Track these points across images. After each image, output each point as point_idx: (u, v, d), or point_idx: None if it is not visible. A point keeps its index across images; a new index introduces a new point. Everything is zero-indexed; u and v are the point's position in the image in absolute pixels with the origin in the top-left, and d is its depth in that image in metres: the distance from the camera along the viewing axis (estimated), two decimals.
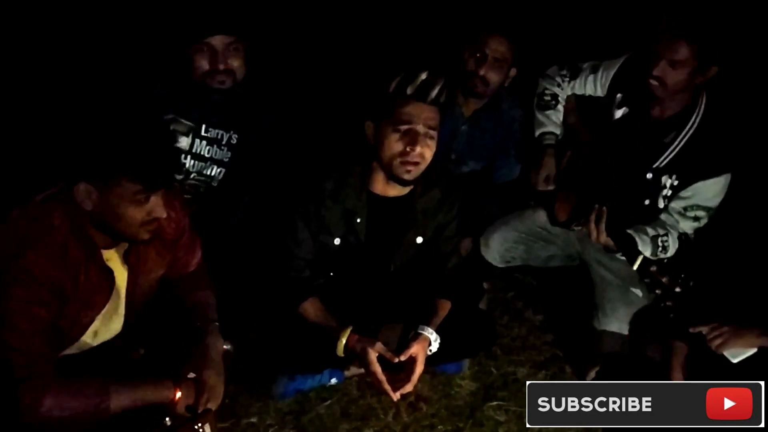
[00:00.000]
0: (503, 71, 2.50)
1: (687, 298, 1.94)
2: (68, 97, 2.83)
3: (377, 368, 1.98)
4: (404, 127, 1.89)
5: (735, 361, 1.92)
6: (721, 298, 2.01)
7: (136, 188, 1.58)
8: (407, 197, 2.06)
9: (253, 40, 2.24)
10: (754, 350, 1.92)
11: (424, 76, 1.87)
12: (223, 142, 2.31)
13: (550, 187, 2.41)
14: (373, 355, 1.97)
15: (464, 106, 2.61)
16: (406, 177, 1.96)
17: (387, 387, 1.99)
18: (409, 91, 1.87)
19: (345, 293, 2.12)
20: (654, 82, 2.12)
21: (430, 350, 2.05)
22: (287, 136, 2.35)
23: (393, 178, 1.98)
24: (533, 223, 2.50)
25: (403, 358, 2.00)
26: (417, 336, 2.03)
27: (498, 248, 2.49)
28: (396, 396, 2.00)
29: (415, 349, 2.01)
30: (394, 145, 1.91)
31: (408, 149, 1.90)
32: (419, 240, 2.13)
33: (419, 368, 2.01)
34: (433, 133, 1.93)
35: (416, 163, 1.93)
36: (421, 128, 1.90)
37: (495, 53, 2.47)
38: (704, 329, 1.95)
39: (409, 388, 2.01)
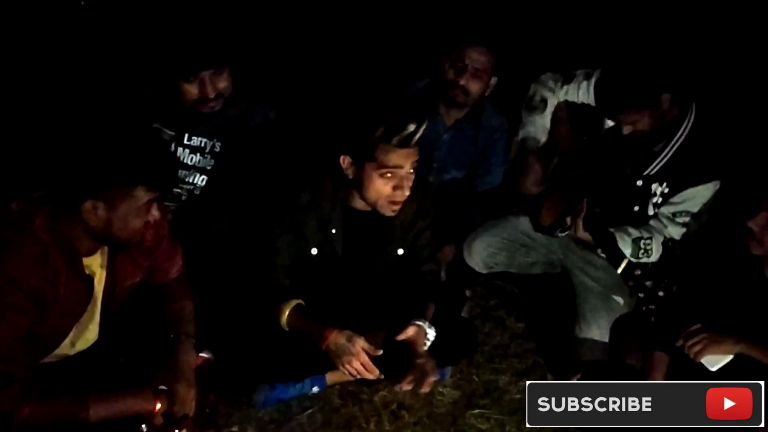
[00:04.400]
0: (483, 81, 2.53)
1: (669, 302, 1.96)
2: (55, 113, 2.85)
3: (363, 357, 1.94)
4: (391, 173, 1.94)
5: (713, 369, 1.93)
6: (704, 302, 2.02)
7: (149, 196, 1.61)
8: None
9: (240, 63, 2.26)
10: (730, 357, 1.93)
11: (412, 128, 1.89)
12: (207, 150, 2.31)
13: (539, 190, 2.41)
14: (359, 345, 1.94)
15: (446, 116, 2.63)
16: (391, 214, 2.02)
17: (370, 368, 1.94)
18: (395, 141, 1.89)
19: (325, 303, 2.11)
20: (635, 135, 2.18)
21: (428, 339, 2.03)
22: (271, 145, 2.36)
23: (376, 210, 2.02)
24: (516, 229, 2.51)
25: (402, 337, 1.97)
26: (412, 324, 2.01)
27: (481, 254, 2.50)
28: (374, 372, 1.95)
29: (413, 333, 1.98)
30: (382, 189, 1.96)
31: (396, 192, 1.96)
32: (400, 252, 2.15)
33: (423, 358, 1.95)
34: (415, 169, 1.98)
35: (401, 202, 1.99)
36: (406, 172, 1.95)
37: (475, 63, 2.49)
38: (681, 339, 1.96)
39: (432, 379, 1.93)
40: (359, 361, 1.95)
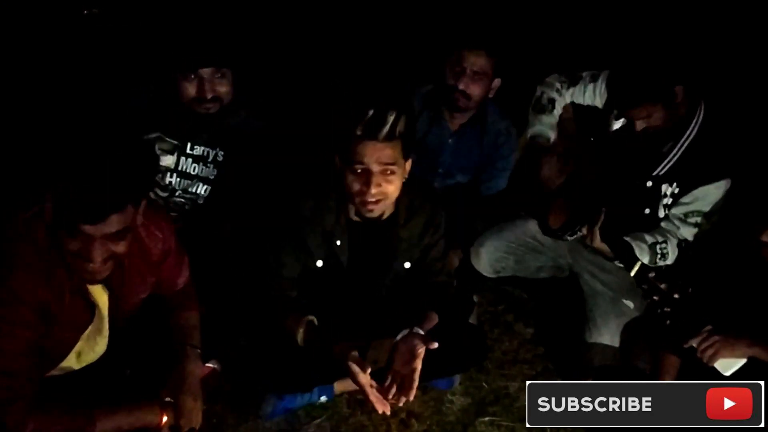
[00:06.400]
0: (484, 84, 2.51)
1: (685, 304, 1.93)
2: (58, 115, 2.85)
3: (363, 379, 1.88)
4: (359, 168, 1.87)
5: (727, 374, 1.91)
6: (718, 304, 1.99)
7: (78, 226, 1.49)
8: (389, 222, 2.05)
9: (241, 67, 2.24)
10: (743, 361, 1.91)
11: (370, 113, 1.83)
12: (209, 160, 2.30)
13: (556, 183, 2.36)
14: (355, 367, 1.89)
15: (450, 121, 2.62)
16: (369, 215, 1.95)
17: (373, 399, 1.89)
18: (358, 131, 1.84)
19: (332, 313, 2.09)
20: (647, 131, 2.16)
21: None
22: (272, 153, 2.35)
23: (359, 213, 1.98)
24: (524, 233, 2.50)
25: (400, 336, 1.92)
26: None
27: (488, 258, 2.48)
28: (386, 409, 1.91)
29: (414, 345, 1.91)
30: (353, 185, 1.89)
31: (364, 189, 1.88)
32: (407, 265, 2.12)
33: (418, 366, 1.90)
34: (392, 168, 1.88)
35: (376, 202, 1.91)
36: (375, 167, 1.86)
37: (474, 67, 2.48)
38: (694, 342, 1.94)
39: (410, 396, 1.89)
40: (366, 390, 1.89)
